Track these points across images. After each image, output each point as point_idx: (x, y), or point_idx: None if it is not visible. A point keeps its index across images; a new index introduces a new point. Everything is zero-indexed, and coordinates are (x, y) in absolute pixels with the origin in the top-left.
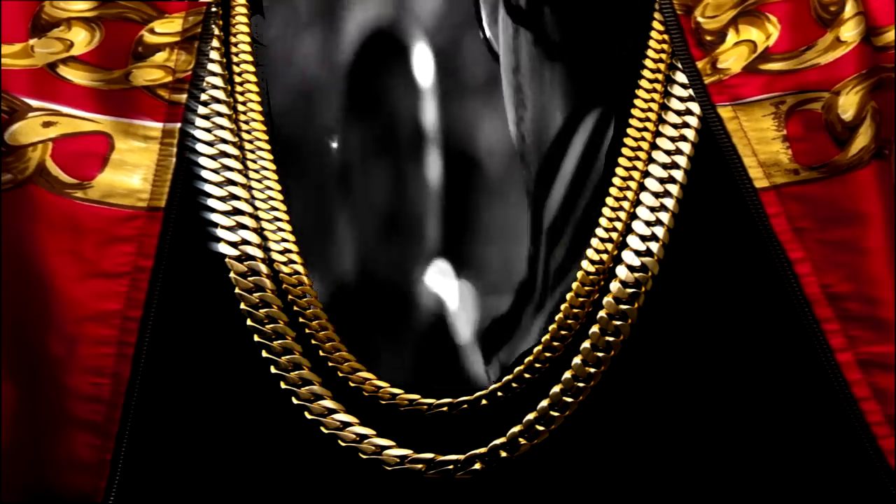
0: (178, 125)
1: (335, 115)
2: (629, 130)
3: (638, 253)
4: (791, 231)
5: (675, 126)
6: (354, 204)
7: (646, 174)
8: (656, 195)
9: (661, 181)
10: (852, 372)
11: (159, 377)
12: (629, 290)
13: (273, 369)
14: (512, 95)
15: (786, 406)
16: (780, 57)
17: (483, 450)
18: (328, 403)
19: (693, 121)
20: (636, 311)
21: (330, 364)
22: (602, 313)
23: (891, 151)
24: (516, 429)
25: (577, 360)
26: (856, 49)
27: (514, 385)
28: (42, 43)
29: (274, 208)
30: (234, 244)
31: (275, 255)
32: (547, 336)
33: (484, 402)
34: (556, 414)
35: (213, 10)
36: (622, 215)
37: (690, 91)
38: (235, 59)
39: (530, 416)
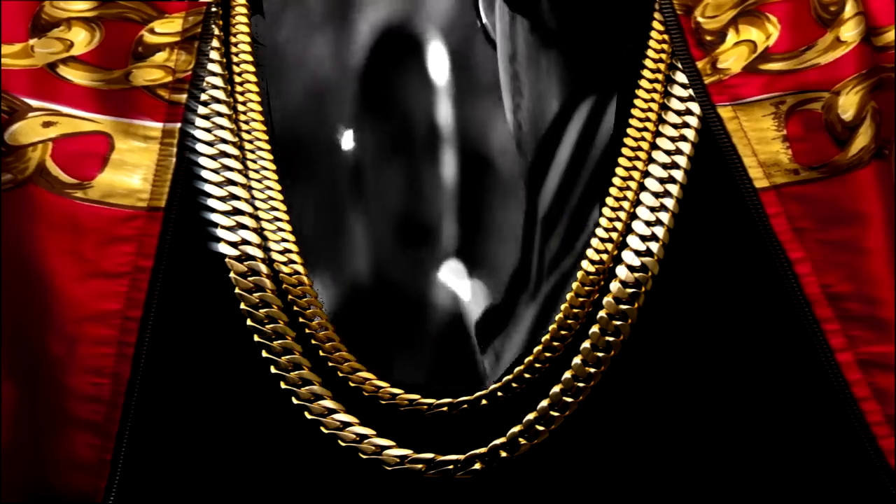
0: (178, 125)
1: (348, 115)
2: (629, 131)
3: (638, 253)
4: (791, 231)
5: (675, 126)
6: (367, 204)
7: (646, 174)
8: (656, 195)
9: (661, 181)
10: (852, 372)
11: (159, 377)
12: (629, 290)
13: (273, 369)
14: (509, 83)
15: (786, 406)
16: (780, 57)
17: (483, 450)
18: (328, 403)
19: (693, 121)
20: (636, 311)
21: (330, 364)
22: (602, 313)
23: (891, 151)
24: (516, 429)
25: (577, 360)
26: (856, 49)
27: (514, 385)
28: (42, 43)
29: (274, 208)
30: (234, 244)
31: (275, 255)
32: (547, 336)
33: (484, 402)
34: (556, 414)
35: (213, 10)
36: (622, 215)
37: (690, 91)
38: (235, 59)
39: (530, 416)
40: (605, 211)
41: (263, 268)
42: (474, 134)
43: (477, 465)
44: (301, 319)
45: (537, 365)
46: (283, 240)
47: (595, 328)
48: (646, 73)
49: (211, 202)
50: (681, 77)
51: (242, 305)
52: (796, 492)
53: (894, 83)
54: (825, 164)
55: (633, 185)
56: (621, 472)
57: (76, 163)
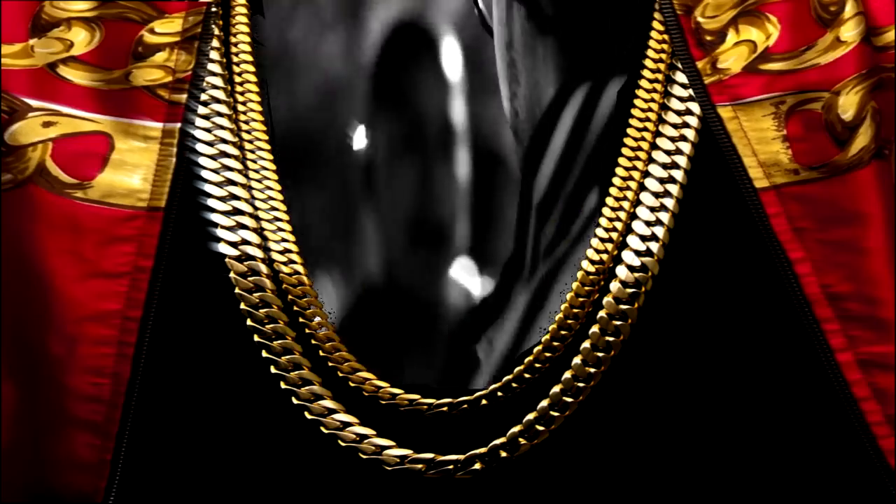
0: (178, 125)
1: (360, 113)
2: (629, 131)
3: (638, 253)
4: (791, 231)
5: (675, 126)
6: (379, 203)
7: (646, 174)
8: (656, 195)
9: (661, 181)
10: (852, 372)
11: (159, 377)
12: (629, 290)
13: (273, 369)
14: (505, 70)
15: (786, 406)
16: (780, 57)
17: (483, 450)
18: (328, 403)
19: (693, 121)
20: (636, 311)
21: (330, 364)
22: (602, 313)
23: (891, 151)
24: (516, 429)
25: (577, 360)
26: (856, 49)
27: (514, 385)
28: (42, 43)
29: (274, 208)
30: (234, 244)
31: (275, 255)
32: (547, 336)
33: (484, 402)
34: (556, 414)
35: (213, 10)
36: (622, 215)
37: (690, 91)
38: (235, 59)
39: (530, 416)
40: (605, 211)
41: (263, 268)
42: (487, 131)
43: (477, 465)
44: (301, 319)
45: (537, 365)
46: (284, 240)
47: (595, 328)
48: (646, 73)
49: (211, 202)
50: (681, 77)
51: (242, 305)
52: (796, 492)
53: (894, 83)
54: (825, 164)
55: (633, 185)
56: (621, 472)
57: (76, 163)
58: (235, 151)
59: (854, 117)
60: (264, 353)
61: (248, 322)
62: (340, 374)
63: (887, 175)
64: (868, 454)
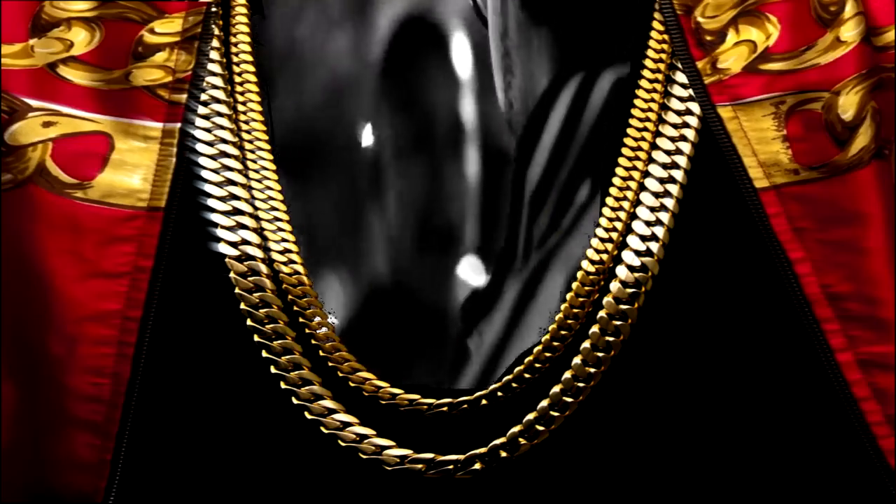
0: (178, 125)
1: (368, 111)
2: (629, 131)
3: (638, 253)
4: (791, 231)
5: (675, 126)
6: (387, 202)
7: (646, 174)
8: (656, 195)
9: (661, 181)
10: (852, 372)
11: (159, 377)
12: (629, 290)
13: (273, 369)
14: (500, 61)
15: (786, 406)
16: (780, 57)
17: (483, 450)
18: (328, 403)
19: (693, 121)
20: (636, 311)
21: (330, 364)
22: (602, 313)
23: (891, 151)
24: (516, 429)
25: (577, 360)
26: (856, 49)
27: (514, 385)
28: (42, 43)
29: (274, 208)
30: (234, 244)
31: (275, 255)
32: (547, 336)
33: (484, 402)
34: (556, 414)
35: (213, 10)
36: (622, 215)
37: (690, 91)
38: (235, 59)
39: (530, 416)
40: (605, 211)
41: (263, 268)
42: (496, 129)
43: (477, 465)
44: (301, 319)
45: (537, 365)
46: (284, 240)
47: (595, 328)
48: (646, 73)
49: (211, 202)
50: (681, 77)
51: (242, 305)
52: (796, 492)
53: (894, 83)
54: (825, 164)
55: (633, 185)
56: (621, 472)
57: (76, 163)
58: (235, 151)
59: (854, 117)
60: (264, 353)
61: (248, 322)
62: (340, 375)
63: (887, 175)
64: (868, 454)
